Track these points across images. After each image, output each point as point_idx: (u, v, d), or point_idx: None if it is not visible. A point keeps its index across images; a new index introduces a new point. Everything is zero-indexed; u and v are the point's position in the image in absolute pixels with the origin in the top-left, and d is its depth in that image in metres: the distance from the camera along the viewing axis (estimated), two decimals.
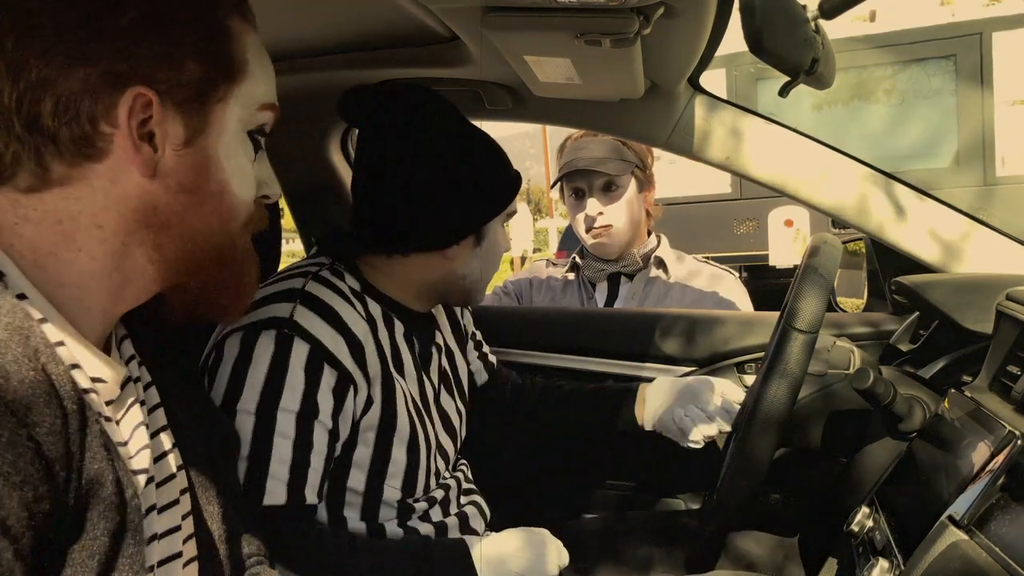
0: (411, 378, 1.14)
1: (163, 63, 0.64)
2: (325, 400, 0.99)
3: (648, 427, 1.31)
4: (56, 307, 0.63)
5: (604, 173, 1.80)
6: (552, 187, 1.97)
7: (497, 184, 1.15)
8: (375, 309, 1.11)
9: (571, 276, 1.98)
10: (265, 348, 0.98)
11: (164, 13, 0.64)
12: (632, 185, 1.84)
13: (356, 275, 1.12)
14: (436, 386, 1.22)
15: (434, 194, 1.08)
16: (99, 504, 0.59)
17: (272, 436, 0.96)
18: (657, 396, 1.30)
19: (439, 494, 1.17)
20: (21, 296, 0.60)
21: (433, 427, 1.17)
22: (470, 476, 1.30)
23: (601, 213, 1.83)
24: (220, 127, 0.69)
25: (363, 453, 1.06)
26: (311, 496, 0.99)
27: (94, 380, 0.63)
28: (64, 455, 0.56)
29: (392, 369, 1.09)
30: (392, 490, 1.09)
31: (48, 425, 0.55)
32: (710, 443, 1.54)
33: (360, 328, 1.05)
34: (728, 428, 1.24)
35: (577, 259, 1.97)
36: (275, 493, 0.96)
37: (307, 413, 0.98)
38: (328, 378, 0.99)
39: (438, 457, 1.17)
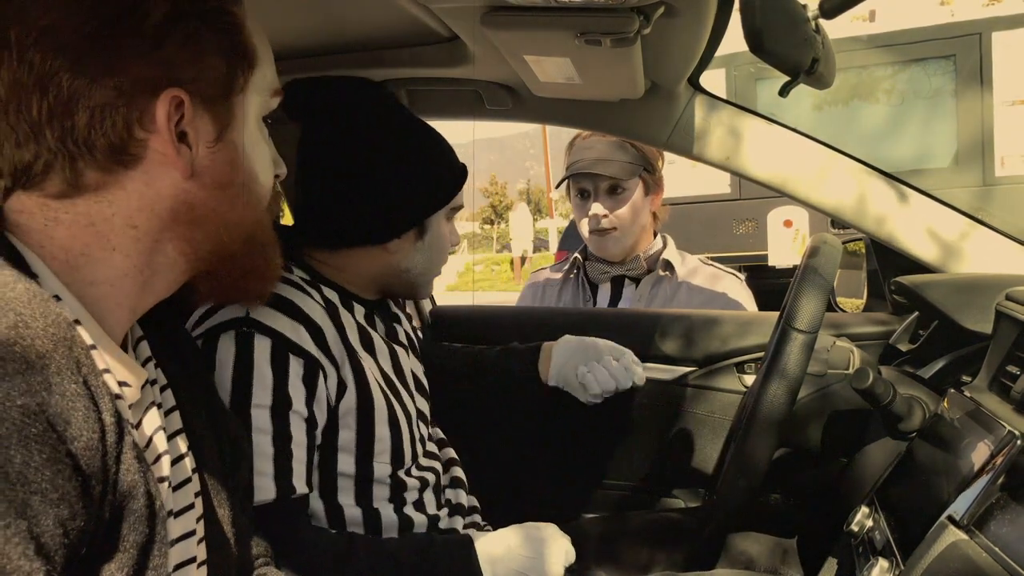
0: (382, 354, 1.15)
1: (190, 62, 0.64)
2: (296, 390, 0.99)
3: (551, 383, 1.33)
4: (86, 306, 0.62)
5: (610, 176, 1.79)
6: (558, 186, 1.96)
7: (439, 177, 1.14)
8: (331, 295, 1.11)
9: (571, 275, 1.98)
10: (227, 349, 0.98)
11: (184, 11, 0.64)
12: (639, 188, 1.82)
13: (304, 268, 1.12)
14: (407, 352, 1.23)
15: (372, 188, 1.08)
16: (130, 516, 0.59)
17: (250, 434, 0.96)
18: (561, 354, 1.33)
19: (430, 477, 1.18)
20: (55, 298, 0.59)
21: (410, 395, 1.17)
22: (444, 437, 1.31)
23: (606, 216, 1.81)
24: (243, 118, 0.70)
25: (347, 436, 1.06)
26: (300, 486, 0.99)
27: (121, 384, 0.62)
28: (101, 469, 0.56)
29: (359, 349, 1.09)
30: (382, 466, 1.09)
31: (86, 440, 0.54)
32: (709, 442, 1.54)
33: (317, 313, 1.05)
34: (629, 385, 1.28)
35: (579, 258, 1.97)
36: (264, 489, 0.96)
37: (280, 405, 0.98)
38: (295, 367, 0.99)
39: (419, 424, 1.18)
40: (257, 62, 0.71)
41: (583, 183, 1.85)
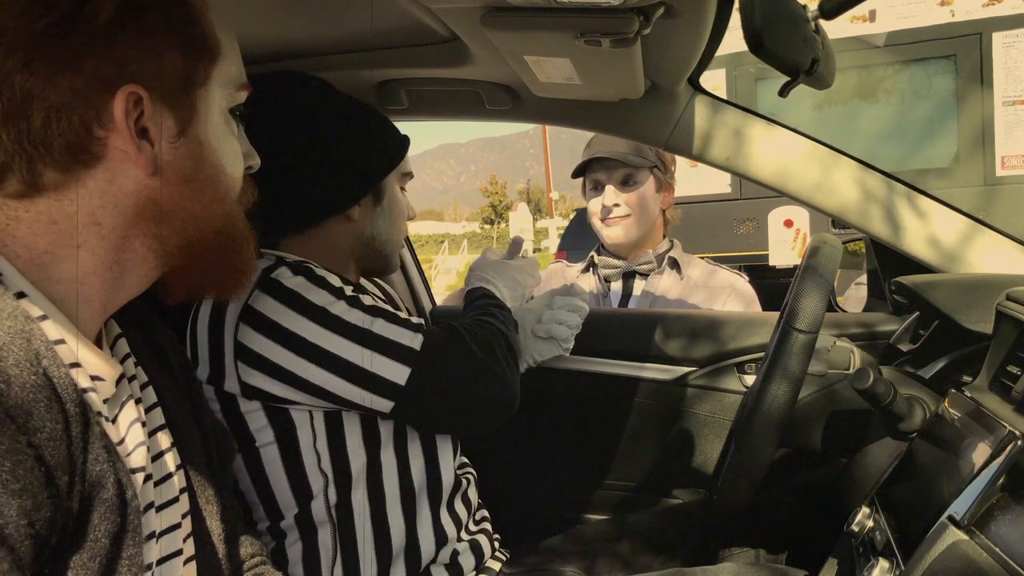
0: None
1: (147, 57, 0.63)
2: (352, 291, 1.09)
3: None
4: (55, 303, 0.62)
5: (624, 164, 1.85)
6: (575, 176, 2.00)
7: (385, 143, 1.20)
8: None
9: (587, 276, 1.99)
10: (293, 278, 1.05)
11: (136, 5, 0.63)
12: (650, 182, 1.88)
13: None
14: None
15: (327, 161, 1.13)
16: (100, 506, 0.59)
17: (363, 327, 1.04)
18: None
19: None
20: (20, 294, 0.59)
21: None
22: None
23: (617, 204, 1.87)
24: (207, 111, 0.69)
25: None
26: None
27: (93, 378, 0.62)
28: (66, 460, 0.56)
29: None
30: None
31: (49, 431, 0.55)
32: (710, 442, 1.54)
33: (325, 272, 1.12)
34: (586, 308, 1.35)
35: (594, 257, 1.99)
36: (414, 338, 1.05)
37: (352, 297, 1.06)
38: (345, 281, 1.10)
39: None
40: (220, 55, 0.69)
41: (597, 173, 1.90)
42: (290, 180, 1.12)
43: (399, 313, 1.09)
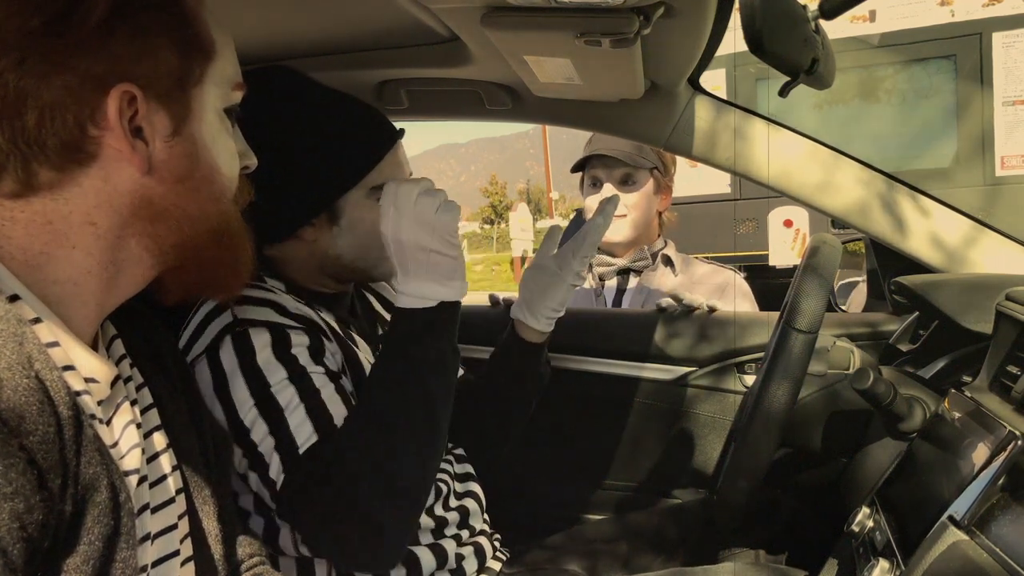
0: (364, 350, 1.14)
1: (140, 56, 0.63)
2: (305, 359, 0.99)
3: (541, 325, 1.25)
4: (50, 305, 0.62)
5: (624, 163, 1.85)
6: (574, 170, 2.00)
7: (341, 160, 1.07)
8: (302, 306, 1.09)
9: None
10: (229, 355, 0.97)
11: (131, 4, 0.63)
12: (650, 184, 1.88)
13: (277, 278, 1.10)
14: None
15: (266, 181, 0.99)
16: (94, 509, 0.59)
17: (281, 408, 0.95)
18: (527, 290, 1.27)
19: (441, 487, 1.17)
20: (14, 297, 0.59)
21: None
22: (462, 454, 1.29)
23: None
24: (201, 111, 0.69)
25: None
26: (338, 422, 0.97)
27: (87, 380, 0.62)
28: (59, 463, 0.56)
29: (343, 336, 1.09)
30: None
31: (41, 434, 0.55)
32: (710, 443, 1.54)
33: (295, 306, 1.04)
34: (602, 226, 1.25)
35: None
36: (306, 435, 0.94)
37: (296, 374, 0.97)
38: (298, 339, 0.99)
39: None
40: (215, 55, 0.69)
41: (597, 170, 1.90)
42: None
43: (297, 426, 0.95)
